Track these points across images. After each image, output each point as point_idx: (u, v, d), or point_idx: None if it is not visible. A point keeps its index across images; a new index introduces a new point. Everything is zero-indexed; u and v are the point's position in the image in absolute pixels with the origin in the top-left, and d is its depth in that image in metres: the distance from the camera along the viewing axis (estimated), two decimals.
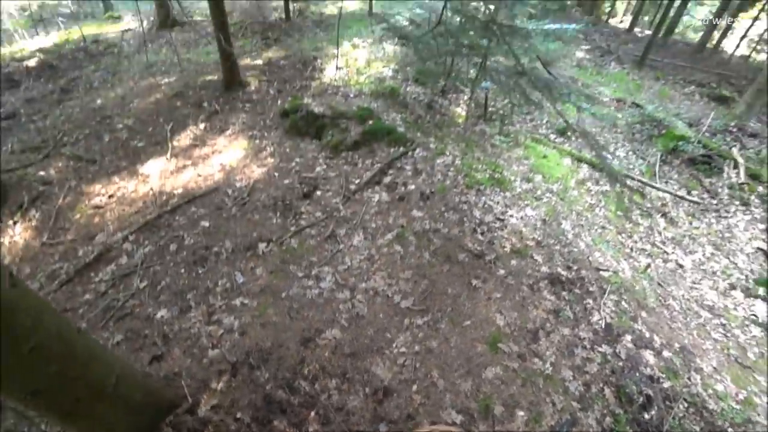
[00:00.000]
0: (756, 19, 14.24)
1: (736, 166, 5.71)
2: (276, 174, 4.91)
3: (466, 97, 6.20)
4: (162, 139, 5.62)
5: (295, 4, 11.69)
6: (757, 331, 4.09)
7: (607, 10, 16.80)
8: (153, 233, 4.17)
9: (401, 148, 4.94)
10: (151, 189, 4.78)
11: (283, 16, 10.59)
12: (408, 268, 3.71)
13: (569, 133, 5.74)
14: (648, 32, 12.25)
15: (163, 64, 8.07)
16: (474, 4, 4.79)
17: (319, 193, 4.59)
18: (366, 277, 3.68)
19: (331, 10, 11.90)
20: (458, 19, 4.04)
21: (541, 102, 3.73)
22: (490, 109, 5.87)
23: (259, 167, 5.05)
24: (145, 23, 9.47)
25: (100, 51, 9.31)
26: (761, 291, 4.45)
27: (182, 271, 3.75)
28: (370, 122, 5.18)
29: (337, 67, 7.00)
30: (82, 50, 9.30)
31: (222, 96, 6.57)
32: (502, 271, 3.72)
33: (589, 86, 8.09)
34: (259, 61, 7.80)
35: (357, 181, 4.63)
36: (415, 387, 2.94)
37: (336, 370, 2.99)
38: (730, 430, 3.12)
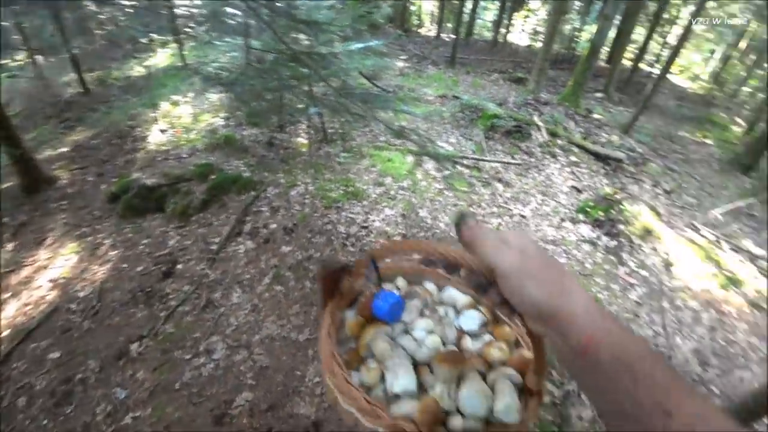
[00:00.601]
0: (527, 16, 18.52)
1: (539, 129, 7.33)
2: (124, 265, 4.68)
3: (305, 126, 6.72)
4: None
5: (92, 74, 11.02)
6: (587, 246, 5.35)
7: (416, 21, 19.56)
8: None
9: (252, 193, 5.18)
10: None
11: (81, 89, 9.90)
12: (294, 302, 3.96)
13: (406, 134, 6.67)
14: (453, 36, 14.78)
15: None
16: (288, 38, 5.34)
17: (180, 266, 4.54)
18: (257, 328, 3.81)
19: (138, 70, 11.50)
20: (270, 56, 4.48)
21: (367, 114, 4.36)
22: (329, 131, 6.49)
23: (101, 266, 4.74)
24: None
25: None
26: (581, 216, 5.82)
27: (45, 422, 3.34)
28: (213, 177, 5.31)
29: (161, 131, 6.91)
30: None
31: (26, 203, 5.89)
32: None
33: (414, 89, 9.43)
34: (65, 149, 7.23)
35: (217, 240, 4.72)
36: None
37: (261, 430, 3.08)
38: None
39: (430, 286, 1.08)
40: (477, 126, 7.42)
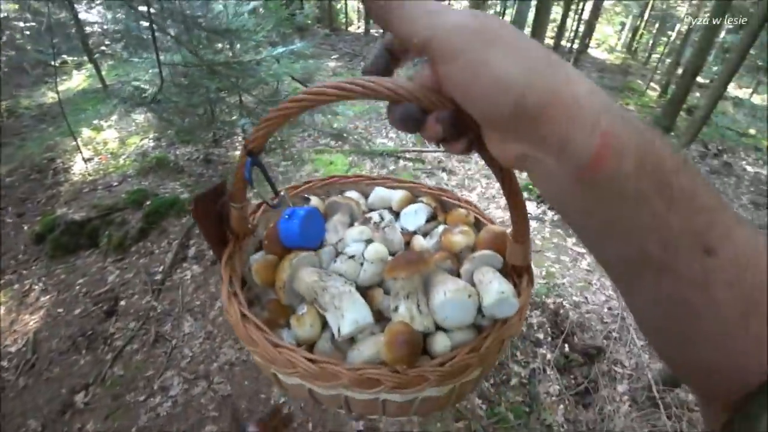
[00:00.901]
0: (450, 2, 18.95)
1: None
2: (60, 310, 4.31)
3: (241, 138, 6.47)
4: None
5: None
6: (534, 223, 5.54)
7: (343, 20, 19.42)
8: None
9: None
10: None
11: None
12: None
13: (344, 135, 6.60)
14: (381, 30, 14.71)
15: None
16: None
17: (123, 303, 4.24)
18: (214, 356, 3.64)
19: (52, 97, 10.61)
20: (189, 71, 4.25)
21: (301, 120, 4.26)
22: (268, 140, 6.28)
23: (32, 314, 4.34)
24: None
25: None
26: (525, 194, 6.01)
27: None
28: (148, 203, 4.99)
29: (85, 160, 6.41)
30: None
31: None
32: None
33: None
34: None
35: (161, 269, 4.45)
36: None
37: None
38: (548, 300, 4.20)
39: (352, 194, 0.86)
40: None
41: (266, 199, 0.69)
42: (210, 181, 5.56)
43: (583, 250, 5.12)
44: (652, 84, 14.29)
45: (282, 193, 0.71)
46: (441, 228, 0.76)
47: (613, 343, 3.85)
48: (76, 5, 8.88)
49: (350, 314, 0.57)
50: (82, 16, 9.22)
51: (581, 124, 0.29)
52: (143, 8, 2.96)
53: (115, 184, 5.57)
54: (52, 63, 6.72)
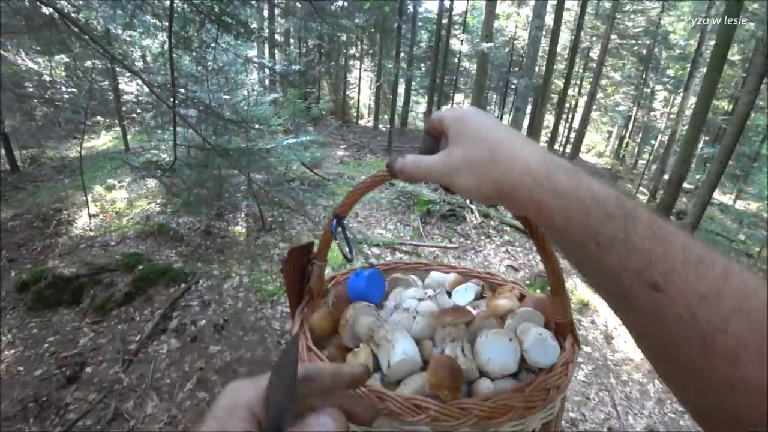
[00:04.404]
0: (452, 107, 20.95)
1: (472, 212, 7.61)
2: (20, 368, 3.95)
3: (243, 214, 6.49)
4: None
5: (24, 152, 10.34)
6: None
7: (355, 114, 20.92)
8: None
9: (182, 285, 4.73)
10: None
11: (8, 167, 9.16)
12: None
13: (345, 222, 6.63)
14: (388, 126, 15.83)
15: None
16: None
17: (89, 369, 3.89)
18: None
19: (76, 151, 10.95)
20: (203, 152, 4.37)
21: (299, 209, 4.28)
22: (268, 219, 6.29)
23: None
24: None
25: None
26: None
27: None
28: (140, 268, 4.83)
29: (90, 215, 6.38)
30: None
31: None
32: None
33: (353, 177, 9.64)
34: None
35: (137, 338, 4.16)
36: None
37: None
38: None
39: (411, 278, 0.95)
40: (414, 212, 7.58)
41: (344, 252, 0.78)
42: (205, 254, 5.46)
43: (580, 360, 4.84)
44: (641, 188, 14.84)
45: (354, 249, 0.80)
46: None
47: None
48: (119, 77, 9.58)
49: (400, 346, 0.62)
50: (122, 86, 9.88)
51: (525, 204, 0.39)
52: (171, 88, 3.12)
53: (113, 243, 5.46)
54: (84, 122, 6.95)
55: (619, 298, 0.35)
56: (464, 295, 0.84)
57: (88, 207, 6.44)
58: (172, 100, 2.68)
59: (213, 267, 5.20)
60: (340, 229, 0.72)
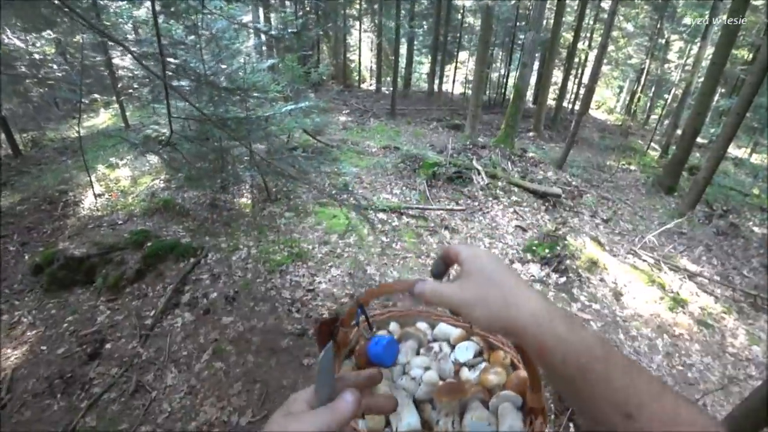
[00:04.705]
0: (456, 67, 19.83)
1: (479, 173, 7.44)
2: (43, 347, 4.06)
3: (248, 185, 6.43)
4: None
5: (25, 135, 10.27)
6: (538, 286, 5.29)
7: (356, 77, 20.25)
8: None
9: (191, 260, 4.76)
10: None
11: (10, 151, 9.13)
12: (235, 380, 3.53)
13: (350, 188, 6.55)
14: (391, 89, 15.35)
15: None
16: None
17: (108, 346, 3.99)
18: (194, 413, 3.33)
19: (77, 131, 10.84)
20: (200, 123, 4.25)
21: (300, 178, 4.18)
22: (273, 189, 6.23)
23: (15, 349, 4.10)
24: None
25: None
26: (529, 255, 5.82)
27: None
28: (149, 244, 4.85)
29: (95, 195, 6.37)
30: None
31: None
32: None
33: (358, 142, 9.43)
34: None
35: (152, 313, 4.23)
36: None
37: None
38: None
39: (422, 325, 1.10)
40: (419, 175, 7.42)
41: (364, 333, 0.93)
42: (212, 227, 5.46)
43: (589, 317, 4.85)
44: (652, 144, 14.42)
45: (374, 329, 0.98)
46: (484, 365, 0.96)
47: None
48: (111, 51, 9.30)
49: (406, 419, 0.81)
50: (116, 61, 9.62)
51: (529, 341, 0.47)
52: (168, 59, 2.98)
53: (120, 222, 5.47)
54: (79, 101, 6.81)
55: (599, 422, 0.43)
56: (465, 352, 0.98)
57: (92, 187, 6.42)
58: (162, 70, 2.55)
59: (221, 240, 5.21)
60: (363, 314, 0.83)
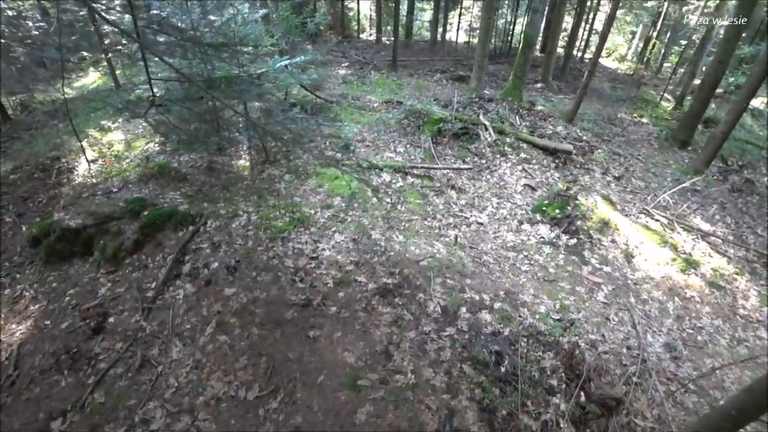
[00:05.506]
0: (461, 14, 18.45)
1: (486, 129, 7.03)
2: (47, 322, 3.99)
3: (246, 147, 6.12)
4: None
5: (13, 98, 9.83)
6: (547, 248, 5.11)
7: (356, 27, 19.03)
8: None
9: (190, 228, 4.57)
10: None
11: None
12: (241, 353, 3.45)
13: (352, 147, 6.21)
14: (392, 38, 14.38)
15: None
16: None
17: (111, 320, 3.90)
18: (201, 388, 3.28)
19: (66, 92, 10.36)
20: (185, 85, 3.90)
21: (294, 143, 3.85)
22: (272, 150, 5.91)
23: (19, 324, 4.03)
24: None
25: None
26: (538, 216, 5.58)
27: None
28: (146, 213, 4.65)
29: (88, 162, 6.10)
30: None
31: None
32: (333, 309, 3.77)
33: (358, 97, 8.91)
34: None
35: (153, 285, 4.10)
36: None
37: None
38: (563, 340, 3.77)
39: None
40: (423, 132, 7.02)
41: None
42: (210, 192, 5.21)
43: (600, 280, 4.69)
44: (665, 95, 13.69)
45: None
46: None
47: (633, 389, 3.42)
48: (94, 4, 8.63)
49: None
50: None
51: None
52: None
53: (115, 190, 5.24)
54: (61, 61, 6.34)
55: None
56: None
57: (84, 154, 6.13)
58: (134, 25, 2.22)
59: (219, 206, 4.99)
60: None
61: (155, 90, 5.61)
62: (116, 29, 2.91)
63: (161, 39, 2.78)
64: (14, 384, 3.50)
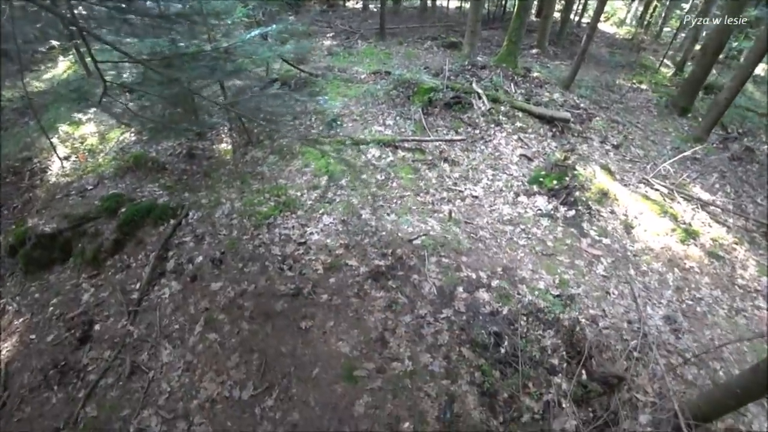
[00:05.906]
0: None
1: (479, 98, 6.79)
2: (33, 336, 3.90)
3: (227, 129, 5.89)
4: None
5: None
6: (545, 220, 5.01)
7: None
8: None
9: (171, 221, 4.44)
10: None
11: None
12: (232, 351, 3.38)
13: (338, 122, 5.98)
14: (380, 6, 13.77)
15: None
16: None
17: (97, 327, 3.82)
18: (194, 391, 3.23)
19: (37, 86, 9.95)
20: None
21: (280, 116, 3.65)
22: (255, 131, 5.69)
23: (5, 340, 3.93)
24: None
25: None
26: (535, 187, 5.45)
27: None
28: (123, 210, 4.49)
29: (60, 159, 5.87)
30: None
31: None
32: (324, 296, 3.69)
33: (345, 69, 8.58)
34: None
35: (137, 286, 3.99)
36: None
37: None
38: (563, 317, 3.70)
39: None
40: (414, 103, 6.77)
41: None
42: (191, 181, 5.02)
43: (599, 253, 4.61)
44: (665, 61, 13.32)
45: None
46: None
47: (634, 365, 3.39)
48: None
49: None
50: None
51: None
52: None
53: (90, 187, 5.05)
54: (21, 52, 5.99)
55: None
56: None
57: (55, 151, 5.89)
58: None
59: (201, 195, 4.85)
60: None
61: (128, 73, 5.33)
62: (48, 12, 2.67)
63: (100, 11, 2.53)
64: (5, 405, 3.43)
